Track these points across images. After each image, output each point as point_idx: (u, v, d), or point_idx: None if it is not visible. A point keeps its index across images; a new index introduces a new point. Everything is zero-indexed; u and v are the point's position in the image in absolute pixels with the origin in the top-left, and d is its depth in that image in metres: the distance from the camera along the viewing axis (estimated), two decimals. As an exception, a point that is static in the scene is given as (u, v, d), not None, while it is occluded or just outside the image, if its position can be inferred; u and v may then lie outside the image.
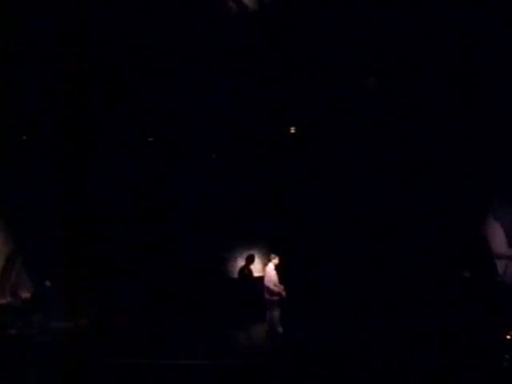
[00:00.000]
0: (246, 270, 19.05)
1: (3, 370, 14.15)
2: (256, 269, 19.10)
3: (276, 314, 16.73)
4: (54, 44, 17.94)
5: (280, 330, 16.65)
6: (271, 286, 16.87)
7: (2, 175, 18.26)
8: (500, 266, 18.13)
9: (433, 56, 17.97)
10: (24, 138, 18.75)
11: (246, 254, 19.24)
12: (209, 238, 19.26)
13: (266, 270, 17.30)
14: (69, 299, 17.85)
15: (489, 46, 17.60)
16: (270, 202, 19.22)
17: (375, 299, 17.44)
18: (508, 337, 15.22)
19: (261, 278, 17.60)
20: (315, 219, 18.88)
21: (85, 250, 18.49)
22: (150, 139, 19.61)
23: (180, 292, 18.38)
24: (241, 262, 19.38)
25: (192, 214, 19.28)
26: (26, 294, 18.26)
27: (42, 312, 17.38)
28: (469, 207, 18.29)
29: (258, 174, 19.39)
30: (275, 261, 17.14)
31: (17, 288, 18.43)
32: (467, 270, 18.08)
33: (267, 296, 16.87)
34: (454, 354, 14.67)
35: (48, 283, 17.78)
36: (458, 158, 18.23)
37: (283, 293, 16.80)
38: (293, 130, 19.60)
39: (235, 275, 19.43)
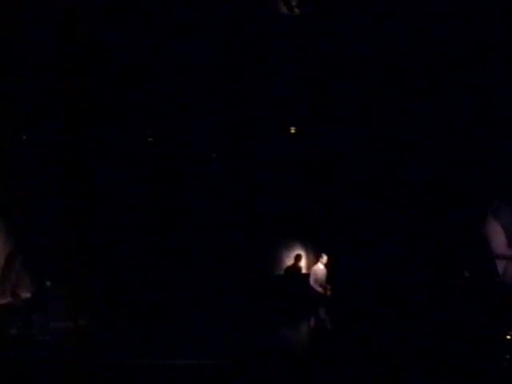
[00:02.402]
0: (292, 269, 18.84)
1: (3, 369, 14.13)
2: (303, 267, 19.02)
3: (321, 312, 16.65)
4: (54, 44, 18.06)
5: (327, 327, 16.53)
6: (316, 287, 16.78)
7: (2, 175, 18.25)
8: (500, 266, 18.14)
9: (432, 56, 17.99)
10: (24, 138, 18.75)
11: (292, 253, 19.13)
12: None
13: (314, 269, 17.11)
14: (69, 299, 17.93)
15: (489, 47, 17.62)
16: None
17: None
18: (508, 337, 15.23)
19: (307, 275, 17.40)
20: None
21: (85, 250, 18.58)
22: (150, 139, 19.61)
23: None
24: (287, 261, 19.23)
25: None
26: (26, 294, 18.25)
27: (42, 312, 17.39)
28: (469, 207, 18.29)
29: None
30: (324, 260, 16.99)
31: (17, 288, 18.42)
32: (467, 270, 18.09)
33: (312, 294, 16.77)
34: (454, 354, 14.67)
35: (48, 283, 17.79)
36: (457, 157, 18.23)
37: (328, 293, 16.70)
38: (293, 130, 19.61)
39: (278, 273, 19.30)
